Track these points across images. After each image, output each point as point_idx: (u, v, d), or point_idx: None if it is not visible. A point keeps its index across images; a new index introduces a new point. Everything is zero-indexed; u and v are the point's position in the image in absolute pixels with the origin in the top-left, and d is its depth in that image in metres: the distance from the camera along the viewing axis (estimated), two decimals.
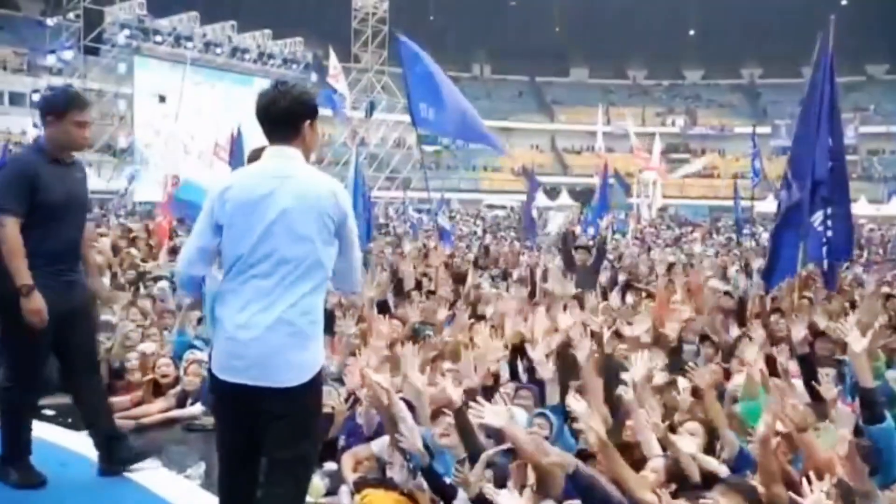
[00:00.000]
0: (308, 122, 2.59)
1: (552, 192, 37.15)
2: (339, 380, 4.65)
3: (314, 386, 2.54)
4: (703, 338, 5.79)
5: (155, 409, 4.82)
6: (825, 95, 6.31)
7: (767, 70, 51.37)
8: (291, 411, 2.47)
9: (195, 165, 28.81)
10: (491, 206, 37.02)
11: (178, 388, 4.90)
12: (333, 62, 24.57)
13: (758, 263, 12.24)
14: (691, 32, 49.34)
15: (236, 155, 8.28)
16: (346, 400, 4.16)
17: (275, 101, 2.55)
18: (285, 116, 2.55)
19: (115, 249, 10.25)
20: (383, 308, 6.31)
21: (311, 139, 2.62)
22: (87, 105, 3.59)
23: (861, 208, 27.54)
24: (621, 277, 8.82)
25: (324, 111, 31.87)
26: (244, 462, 2.55)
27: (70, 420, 4.57)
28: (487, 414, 3.15)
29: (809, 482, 2.58)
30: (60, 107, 3.38)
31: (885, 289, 8.15)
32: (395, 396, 3.62)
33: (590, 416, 3.11)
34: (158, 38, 28.47)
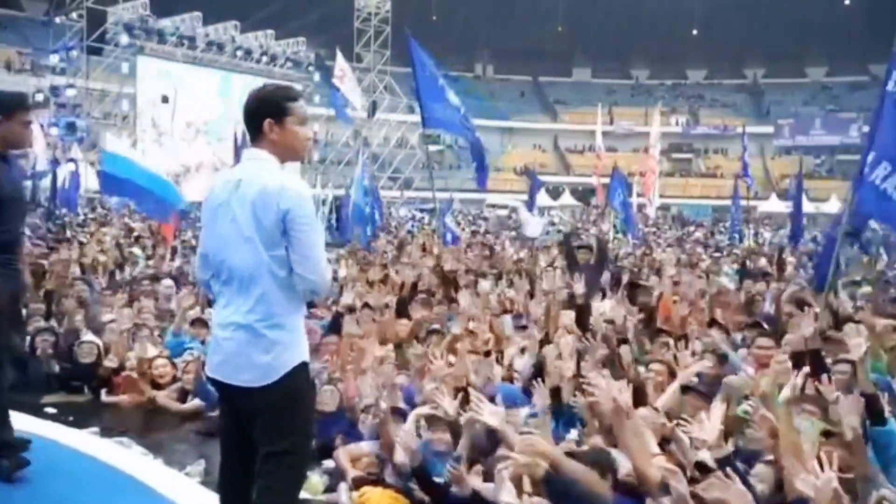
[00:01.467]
0: (270, 120, 2.54)
1: (554, 192, 37.15)
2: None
3: (285, 386, 2.49)
4: (712, 322, 5.82)
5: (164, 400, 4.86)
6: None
7: (770, 70, 51.30)
8: (263, 410, 2.50)
9: (199, 166, 29.07)
10: (493, 206, 37.02)
11: (178, 384, 4.92)
12: (340, 63, 24.46)
13: (760, 262, 12.29)
14: (694, 32, 49.26)
15: (240, 157, 8.33)
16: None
17: (247, 102, 2.60)
18: (249, 117, 2.58)
19: (119, 248, 10.30)
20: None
21: (280, 139, 2.55)
22: (31, 106, 3.79)
23: None
24: (624, 278, 8.80)
25: (327, 111, 32.06)
26: (241, 456, 2.59)
27: (71, 418, 4.60)
28: (485, 412, 3.18)
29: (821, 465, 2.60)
30: (8, 108, 3.48)
31: None
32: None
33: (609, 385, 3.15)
34: (161, 38, 28.51)
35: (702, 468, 2.99)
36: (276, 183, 2.46)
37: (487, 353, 4.67)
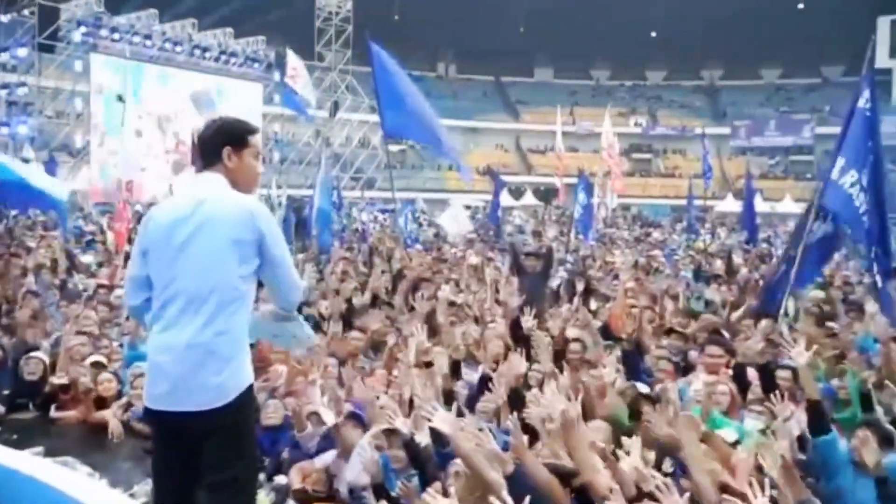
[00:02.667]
0: (229, 148, 2.62)
1: (517, 192, 37.34)
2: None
3: (240, 406, 2.48)
4: (670, 331, 5.91)
5: (114, 423, 4.74)
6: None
7: (727, 72, 52.28)
8: (212, 434, 2.44)
9: (155, 166, 28.52)
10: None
11: (124, 399, 4.82)
12: (292, 61, 24.22)
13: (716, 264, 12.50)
14: (653, 34, 49.96)
15: (196, 160, 8.16)
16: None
17: (203, 130, 2.68)
18: (208, 144, 2.65)
19: (68, 255, 10.01)
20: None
21: (236, 166, 2.63)
22: None
23: None
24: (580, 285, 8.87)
25: (287, 110, 31.71)
26: (180, 491, 2.51)
27: (15, 436, 4.48)
28: (437, 419, 3.18)
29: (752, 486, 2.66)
30: None
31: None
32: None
33: (557, 397, 3.18)
34: (116, 36, 27.88)
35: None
36: (249, 204, 2.55)
37: (428, 364, 4.68)
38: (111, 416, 4.67)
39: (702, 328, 6.52)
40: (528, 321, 5.70)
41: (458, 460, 3.22)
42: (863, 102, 5.76)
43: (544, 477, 2.95)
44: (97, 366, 5.06)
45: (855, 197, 5.69)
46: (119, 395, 4.93)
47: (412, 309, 6.70)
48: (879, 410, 4.18)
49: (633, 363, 5.19)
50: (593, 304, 7.57)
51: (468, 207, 35.27)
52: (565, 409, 3.07)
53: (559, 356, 4.94)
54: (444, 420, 3.19)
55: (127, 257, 10.39)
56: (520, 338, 5.60)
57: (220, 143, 2.62)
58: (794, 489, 3.04)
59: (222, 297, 2.46)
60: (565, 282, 9.32)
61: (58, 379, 4.97)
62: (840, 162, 5.65)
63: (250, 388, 2.54)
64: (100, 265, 10.46)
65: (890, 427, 3.80)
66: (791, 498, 3.01)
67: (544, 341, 4.98)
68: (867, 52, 5.99)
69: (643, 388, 4.60)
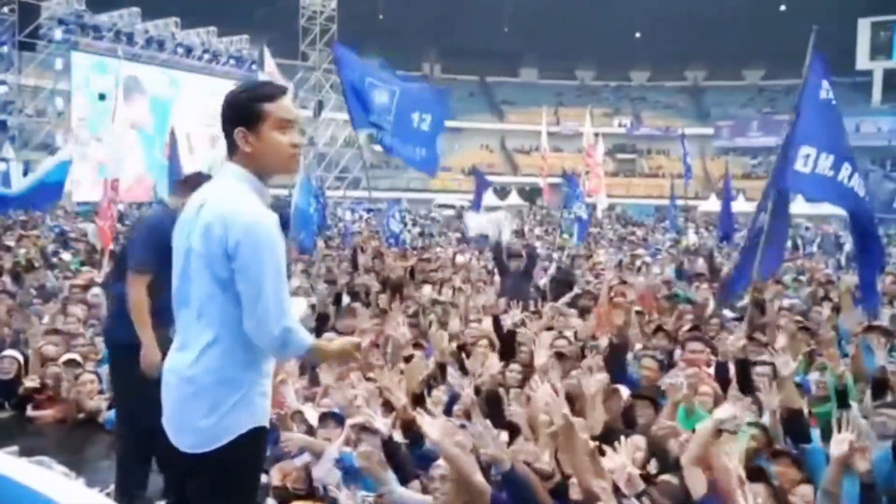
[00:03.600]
0: (241, 129, 2.14)
1: (502, 192, 37.38)
2: None
3: (228, 456, 2.13)
4: (657, 329, 5.94)
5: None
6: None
7: (710, 73, 52.67)
8: (200, 478, 2.18)
9: (139, 167, 28.25)
10: (442, 206, 37.06)
11: (104, 397, 4.77)
12: (268, 61, 23.91)
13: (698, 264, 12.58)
14: (637, 35, 50.23)
15: (174, 161, 8.04)
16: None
17: (221, 109, 2.21)
18: (223, 127, 2.19)
19: (43, 254, 9.88)
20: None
21: (256, 150, 2.15)
22: None
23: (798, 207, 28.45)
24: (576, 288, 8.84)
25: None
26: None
27: None
28: (426, 425, 3.15)
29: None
30: None
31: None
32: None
33: (555, 401, 3.15)
34: (98, 34, 27.63)
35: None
36: (229, 209, 2.09)
37: (408, 359, 4.65)
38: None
39: (678, 323, 6.57)
40: (512, 318, 5.72)
41: (441, 462, 3.20)
42: (825, 94, 5.78)
43: (534, 478, 2.96)
44: (71, 364, 4.99)
45: (858, 187, 5.73)
46: (100, 394, 4.87)
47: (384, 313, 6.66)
48: (855, 406, 4.21)
49: (620, 360, 5.19)
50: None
51: (451, 207, 35.34)
52: (567, 414, 3.06)
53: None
54: (432, 426, 3.15)
55: (112, 255, 10.33)
56: (503, 336, 5.60)
57: (231, 125, 2.15)
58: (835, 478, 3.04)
59: (213, 323, 2.12)
60: (552, 281, 9.33)
61: (30, 381, 4.89)
62: (829, 158, 5.65)
63: (255, 433, 2.16)
64: (82, 264, 10.35)
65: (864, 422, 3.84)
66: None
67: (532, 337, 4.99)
68: (809, 43, 6.06)
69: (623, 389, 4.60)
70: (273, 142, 2.15)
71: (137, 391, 3.50)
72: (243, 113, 2.15)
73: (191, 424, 2.14)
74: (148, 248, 3.63)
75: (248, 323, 2.10)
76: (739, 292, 7.02)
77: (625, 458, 2.89)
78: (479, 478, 2.93)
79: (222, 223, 2.08)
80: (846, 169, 5.62)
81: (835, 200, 5.80)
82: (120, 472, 3.85)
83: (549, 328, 5.86)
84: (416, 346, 5.42)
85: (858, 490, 3.21)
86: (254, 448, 2.21)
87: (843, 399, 4.20)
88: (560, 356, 4.86)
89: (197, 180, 3.37)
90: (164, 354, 3.28)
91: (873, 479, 3.25)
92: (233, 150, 2.17)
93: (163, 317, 3.40)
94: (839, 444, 2.95)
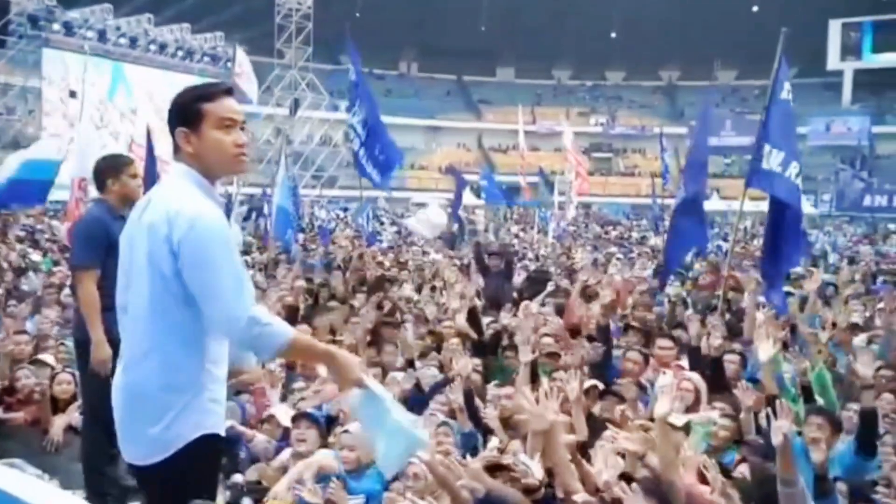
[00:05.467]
0: (182, 129, 2.13)
1: (479, 191, 37.42)
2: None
3: (177, 466, 2.05)
4: (628, 327, 6.00)
5: (59, 426, 4.60)
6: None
7: (685, 73, 53.18)
8: (153, 489, 2.12)
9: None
10: (419, 205, 37.02)
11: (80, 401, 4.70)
12: (240, 59, 23.68)
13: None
14: (613, 35, 50.57)
15: (147, 163, 7.90)
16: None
17: None
18: (168, 128, 2.17)
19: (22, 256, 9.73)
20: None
21: (197, 148, 2.13)
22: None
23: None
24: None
25: (247, 108, 31.28)
26: None
27: None
28: None
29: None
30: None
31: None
32: None
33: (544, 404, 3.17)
34: (69, 30, 27.20)
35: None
36: (173, 206, 2.04)
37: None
38: (57, 420, 4.53)
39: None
40: (502, 319, 5.75)
41: (417, 462, 3.21)
42: (786, 94, 5.99)
43: (514, 497, 2.97)
44: (36, 363, 4.93)
45: (786, 171, 5.92)
46: (75, 397, 4.80)
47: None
48: (820, 402, 4.30)
49: (605, 354, 5.23)
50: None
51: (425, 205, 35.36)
52: (555, 420, 3.07)
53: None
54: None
55: None
56: (479, 331, 5.63)
57: (172, 127, 2.15)
58: (787, 469, 3.09)
59: (156, 326, 2.05)
60: (527, 280, 9.38)
61: None
62: (780, 155, 5.82)
63: (206, 440, 2.08)
64: (55, 263, 10.22)
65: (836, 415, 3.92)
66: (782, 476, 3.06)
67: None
68: (779, 46, 6.26)
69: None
70: (214, 141, 2.13)
71: (100, 388, 3.50)
72: (184, 113, 2.14)
73: (139, 435, 2.07)
74: (89, 244, 3.66)
75: (210, 321, 2.05)
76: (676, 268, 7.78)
77: (602, 464, 2.91)
78: (465, 494, 2.93)
79: (166, 220, 2.03)
80: (794, 167, 5.83)
81: (784, 196, 5.96)
82: (89, 474, 3.82)
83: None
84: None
85: (812, 480, 3.29)
86: (207, 457, 2.11)
87: (807, 394, 4.29)
88: (549, 355, 4.90)
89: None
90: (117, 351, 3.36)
91: (825, 471, 3.32)
92: (177, 149, 2.16)
93: (113, 314, 3.47)
94: (775, 432, 3.02)
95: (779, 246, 5.98)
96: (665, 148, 20.82)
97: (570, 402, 3.60)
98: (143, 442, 2.07)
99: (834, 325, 6.28)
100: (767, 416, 3.85)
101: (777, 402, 3.17)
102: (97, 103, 27.46)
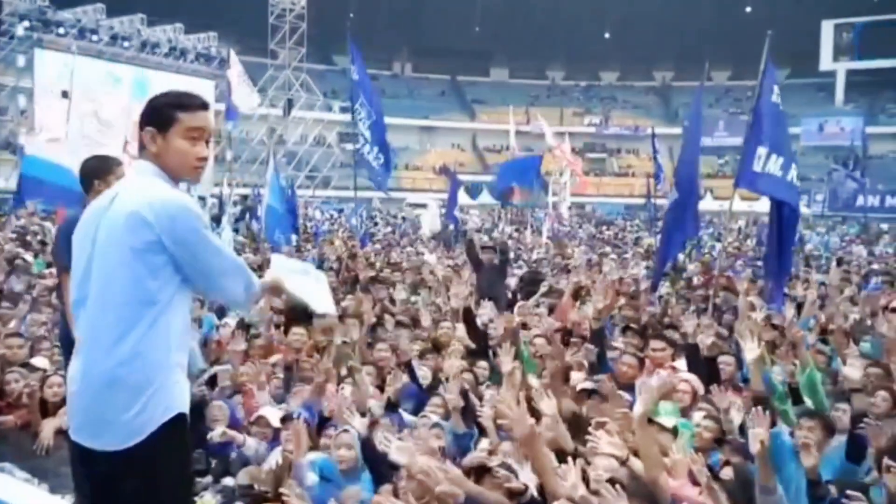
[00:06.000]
0: (151, 129, 2.21)
1: (473, 191, 37.44)
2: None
3: (152, 448, 2.09)
4: (626, 328, 6.00)
5: (49, 429, 4.56)
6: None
7: (678, 73, 53.27)
8: (122, 479, 2.11)
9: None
10: (413, 205, 37.03)
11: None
12: (234, 62, 23.44)
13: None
14: (607, 36, 50.65)
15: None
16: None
17: None
18: (139, 125, 2.25)
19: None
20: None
21: (160, 149, 2.21)
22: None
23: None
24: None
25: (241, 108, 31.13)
26: None
27: None
28: (393, 449, 3.14)
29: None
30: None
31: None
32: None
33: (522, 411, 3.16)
34: (61, 31, 27.08)
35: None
36: (156, 196, 2.12)
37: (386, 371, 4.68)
38: (47, 424, 4.50)
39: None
40: (486, 314, 5.74)
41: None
42: (775, 98, 6.04)
43: (496, 502, 2.96)
44: (26, 366, 4.89)
45: (779, 172, 5.96)
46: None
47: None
48: (808, 403, 4.31)
49: (599, 356, 5.23)
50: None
51: (422, 206, 35.37)
52: (533, 427, 3.07)
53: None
54: (400, 450, 3.14)
55: None
56: (477, 333, 5.62)
57: (142, 125, 2.23)
58: (765, 475, 3.09)
59: (128, 314, 2.09)
60: (521, 281, 9.38)
61: None
62: (779, 160, 5.86)
63: (175, 420, 2.13)
64: (47, 265, 10.14)
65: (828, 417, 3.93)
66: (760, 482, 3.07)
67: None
68: (765, 47, 6.32)
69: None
70: (178, 148, 2.22)
71: None
72: (156, 115, 2.24)
73: (112, 421, 2.09)
74: (70, 246, 3.62)
75: (215, 288, 2.27)
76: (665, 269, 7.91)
77: (576, 478, 2.89)
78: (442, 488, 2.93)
79: (150, 209, 2.10)
80: (794, 169, 5.88)
81: (785, 196, 5.99)
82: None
83: (524, 325, 5.89)
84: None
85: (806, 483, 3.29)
86: (177, 436, 2.17)
87: (796, 396, 4.30)
88: (541, 357, 4.90)
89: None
90: None
91: (818, 476, 3.32)
92: (142, 147, 2.25)
93: None
94: (753, 440, 3.03)
95: (782, 250, 6.04)
96: (658, 150, 20.85)
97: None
98: (115, 429, 2.09)
99: (823, 330, 6.29)
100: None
101: (754, 409, 3.18)
102: (87, 104, 27.37)
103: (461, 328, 5.70)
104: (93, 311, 2.15)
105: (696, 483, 3.10)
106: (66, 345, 3.70)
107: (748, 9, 46.99)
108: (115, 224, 2.13)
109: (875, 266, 14.28)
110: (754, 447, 2.99)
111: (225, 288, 2.28)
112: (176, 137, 2.22)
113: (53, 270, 9.21)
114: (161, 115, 2.23)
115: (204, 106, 2.29)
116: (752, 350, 4.03)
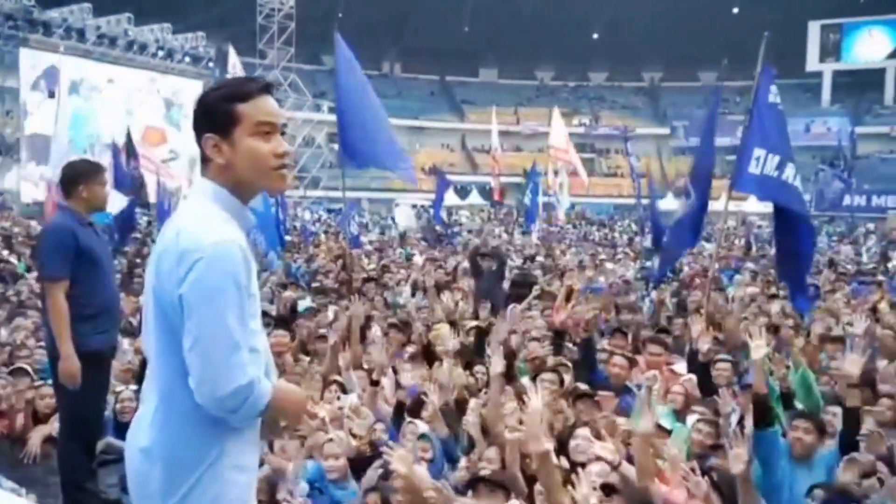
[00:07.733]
0: (210, 136, 1.75)
1: (462, 192, 37.44)
2: None
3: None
4: (616, 330, 6.00)
5: (37, 437, 4.49)
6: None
7: (667, 74, 53.50)
8: None
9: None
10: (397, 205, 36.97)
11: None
12: (232, 59, 23.40)
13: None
14: (595, 36, 50.77)
15: (120, 167, 7.72)
16: None
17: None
18: (194, 134, 1.79)
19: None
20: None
21: (229, 159, 1.75)
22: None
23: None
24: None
25: None
26: None
27: None
28: (394, 459, 3.11)
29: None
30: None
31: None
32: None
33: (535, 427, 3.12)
34: (47, 30, 26.82)
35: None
36: (187, 238, 1.67)
37: (375, 383, 4.64)
38: (35, 432, 4.42)
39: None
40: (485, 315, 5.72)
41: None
42: (773, 98, 6.00)
43: None
44: (14, 373, 4.83)
45: (779, 174, 5.95)
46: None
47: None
48: (800, 406, 4.32)
49: (590, 356, 5.22)
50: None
51: (414, 206, 35.34)
52: (547, 449, 3.03)
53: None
54: (400, 459, 3.10)
55: None
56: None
57: (198, 132, 1.77)
58: (747, 496, 3.10)
59: (163, 382, 1.73)
60: (511, 284, 9.35)
61: None
62: (774, 158, 5.83)
63: None
64: (27, 269, 10.05)
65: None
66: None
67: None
68: (760, 48, 6.31)
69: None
70: (249, 150, 1.74)
71: (73, 402, 3.53)
72: (212, 116, 1.75)
73: (145, 498, 1.76)
74: (56, 254, 3.56)
75: (193, 382, 1.66)
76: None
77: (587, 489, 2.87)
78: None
79: (177, 255, 1.67)
80: (790, 168, 5.85)
81: (782, 200, 5.97)
82: (66, 487, 3.69)
83: (513, 331, 5.87)
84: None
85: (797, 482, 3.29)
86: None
87: (787, 401, 4.30)
88: (535, 359, 4.88)
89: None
90: (84, 364, 3.45)
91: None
92: (204, 162, 1.77)
93: (85, 324, 3.51)
94: (734, 461, 3.02)
95: (794, 251, 5.98)
96: (631, 152, 20.99)
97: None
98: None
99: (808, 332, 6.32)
100: (741, 420, 3.89)
101: (732, 432, 3.17)
102: (73, 104, 27.15)
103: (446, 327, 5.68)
104: (149, 370, 1.85)
105: (688, 490, 3.10)
106: (53, 356, 3.62)
107: (735, 10, 47.23)
108: (158, 267, 1.75)
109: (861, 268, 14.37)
110: (736, 467, 2.98)
111: (191, 366, 1.66)
112: (244, 137, 1.75)
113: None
114: (217, 114, 1.75)
115: (266, 88, 1.81)
116: (759, 348, 3.98)
